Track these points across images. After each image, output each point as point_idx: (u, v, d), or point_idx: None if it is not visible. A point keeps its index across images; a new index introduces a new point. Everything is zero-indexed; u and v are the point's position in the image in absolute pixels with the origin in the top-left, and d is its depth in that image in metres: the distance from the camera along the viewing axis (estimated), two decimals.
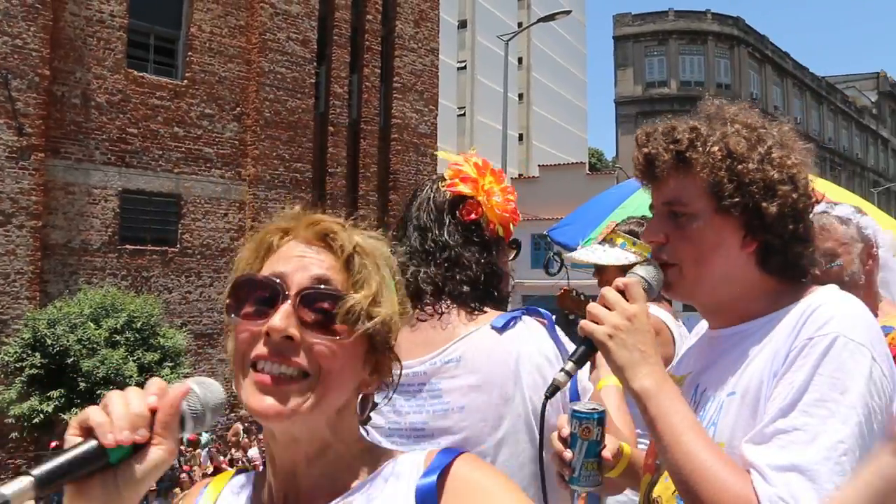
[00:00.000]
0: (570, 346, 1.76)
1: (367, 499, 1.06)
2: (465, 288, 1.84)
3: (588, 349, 1.46)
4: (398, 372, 1.16)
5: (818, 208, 2.01)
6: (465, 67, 43.34)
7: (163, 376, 14.23)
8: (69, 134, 17.30)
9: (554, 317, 1.91)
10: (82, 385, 13.50)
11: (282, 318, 1.02)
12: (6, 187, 16.02)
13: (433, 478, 1.04)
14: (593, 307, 1.46)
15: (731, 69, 48.00)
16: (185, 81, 19.43)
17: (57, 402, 13.47)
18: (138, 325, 14.74)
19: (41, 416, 13.42)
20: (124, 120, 18.18)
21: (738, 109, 1.51)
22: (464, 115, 42.03)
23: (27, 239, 16.26)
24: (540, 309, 1.88)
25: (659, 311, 3.05)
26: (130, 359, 14.17)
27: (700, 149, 1.44)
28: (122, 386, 13.40)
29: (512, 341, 1.78)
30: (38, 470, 0.80)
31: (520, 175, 41.50)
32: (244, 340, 1.05)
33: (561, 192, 29.53)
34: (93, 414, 0.89)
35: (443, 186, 1.95)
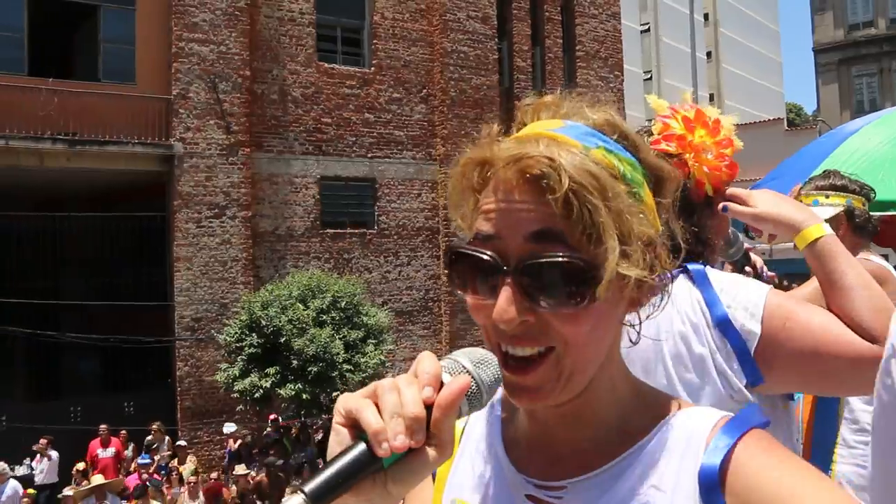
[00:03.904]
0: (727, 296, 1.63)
1: (645, 467, 0.90)
2: None
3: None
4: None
5: None
6: (648, 30, 42.03)
7: (367, 353, 14.88)
8: (270, 128, 18.37)
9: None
10: (295, 362, 14.26)
11: (504, 304, 0.84)
12: (219, 182, 17.30)
13: (717, 460, 0.86)
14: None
15: None
16: (373, 69, 20.07)
17: (273, 379, 14.27)
18: (342, 304, 15.33)
19: (261, 391, 14.28)
20: (318, 111, 19.05)
21: None
22: (650, 78, 40.82)
23: (240, 228, 17.49)
24: (689, 265, 1.69)
25: (882, 262, 2.90)
26: (336, 337, 14.76)
27: None
28: (330, 363, 14.17)
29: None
30: (310, 486, 0.73)
31: None
32: (478, 315, 0.91)
33: (758, 152, 27.89)
34: (365, 413, 0.76)
35: (647, 140, 1.75)
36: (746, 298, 1.60)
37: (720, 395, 1.59)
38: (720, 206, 1.71)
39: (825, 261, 1.61)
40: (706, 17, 46.08)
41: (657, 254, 0.90)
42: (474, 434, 1.05)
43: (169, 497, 12.62)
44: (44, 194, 18.14)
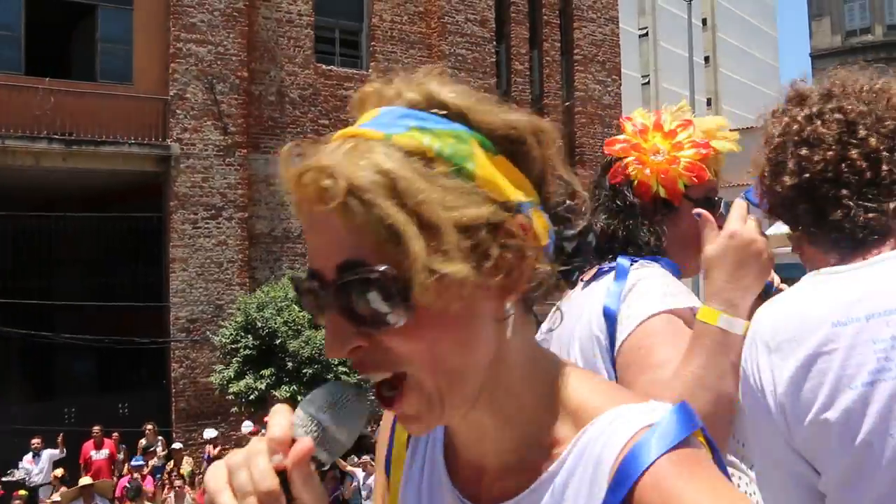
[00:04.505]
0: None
1: (558, 496, 0.80)
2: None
3: None
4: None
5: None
6: (646, 34, 42.08)
7: None
8: (267, 129, 18.34)
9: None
10: (290, 364, 14.24)
11: (329, 336, 0.77)
12: (216, 183, 17.27)
13: (621, 493, 0.75)
14: None
15: None
16: (370, 71, 20.03)
17: (269, 381, 14.23)
18: None
19: (255, 392, 14.24)
20: (315, 112, 19.03)
21: None
22: (648, 83, 40.86)
23: (236, 230, 17.46)
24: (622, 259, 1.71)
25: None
26: None
27: None
28: (325, 365, 14.11)
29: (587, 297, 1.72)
30: None
31: None
32: None
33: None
34: (220, 500, 0.73)
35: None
36: (635, 308, 1.62)
37: None
38: (693, 211, 1.66)
39: (698, 346, 1.49)
40: (704, 21, 46.18)
41: (508, 228, 0.77)
42: (424, 439, 0.98)
43: (163, 499, 12.56)
44: (39, 194, 18.09)
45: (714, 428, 1.27)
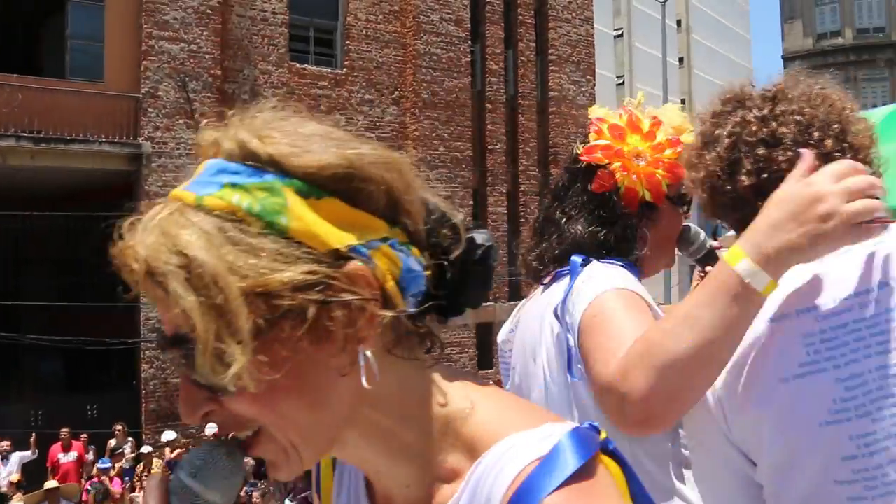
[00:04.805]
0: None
1: None
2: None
3: None
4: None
5: None
6: (621, 35, 42.27)
7: None
8: None
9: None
10: None
11: (182, 400, 0.77)
12: None
13: None
14: None
15: None
16: (345, 70, 19.96)
17: None
18: None
19: None
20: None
21: None
22: (623, 83, 41.03)
23: None
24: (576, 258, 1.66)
25: None
26: None
27: None
28: None
29: (549, 297, 1.70)
30: None
31: None
32: None
33: None
34: None
35: (579, 150, 1.77)
36: (586, 291, 1.57)
37: (558, 390, 1.65)
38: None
39: (706, 284, 1.38)
40: (679, 23, 46.47)
41: (331, 283, 0.72)
42: (349, 468, 0.95)
43: (129, 499, 12.40)
44: (6, 193, 17.82)
45: (689, 378, 1.24)
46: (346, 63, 19.98)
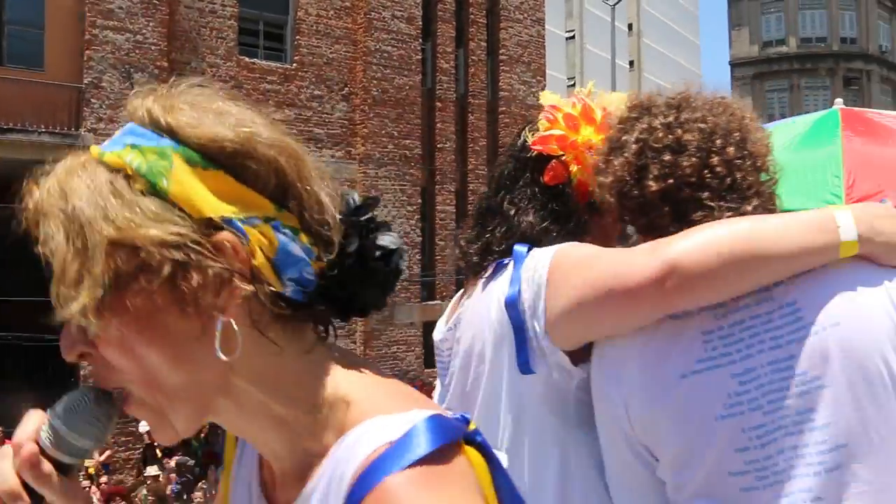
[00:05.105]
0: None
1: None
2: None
3: None
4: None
5: None
6: (573, 37, 42.58)
7: None
8: None
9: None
10: None
11: (62, 337, 0.83)
12: None
13: None
14: None
15: (858, 22, 45.29)
16: (294, 65, 19.75)
17: None
18: None
19: None
20: None
21: None
22: (573, 85, 41.37)
23: None
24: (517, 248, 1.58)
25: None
26: None
27: None
28: None
29: (491, 292, 1.57)
30: None
31: None
32: None
33: None
34: None
35: (529, 138, 1.66)
36: (541, 257, 1.48)
37: (504, 388, 1.53)
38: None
39: (791, 215, 1.43)
40: (630, 27, 47.00)
41: (196, 247, 0.76)
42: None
43: None
44: None
45: (714, 280, 1.27)
46: (295, 58, 19.76)
